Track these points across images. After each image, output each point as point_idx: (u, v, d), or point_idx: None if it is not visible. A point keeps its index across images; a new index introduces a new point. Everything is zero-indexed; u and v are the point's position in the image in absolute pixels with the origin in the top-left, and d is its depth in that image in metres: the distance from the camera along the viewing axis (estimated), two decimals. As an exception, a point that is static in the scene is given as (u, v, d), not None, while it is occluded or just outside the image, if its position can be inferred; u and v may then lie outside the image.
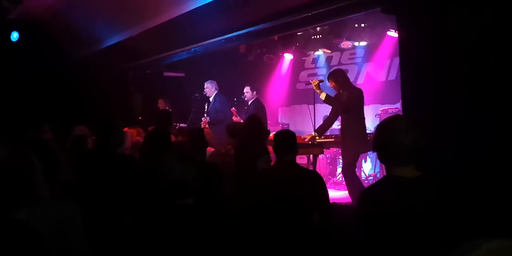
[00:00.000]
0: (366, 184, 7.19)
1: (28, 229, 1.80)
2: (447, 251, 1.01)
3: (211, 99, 8.49)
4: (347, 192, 6.18)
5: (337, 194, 6.76)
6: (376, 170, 8.00)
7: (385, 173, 2.28)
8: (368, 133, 6.30)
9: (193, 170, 2.40)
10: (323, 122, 6.67)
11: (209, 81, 8.52)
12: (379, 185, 2.20)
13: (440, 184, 2.09)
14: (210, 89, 8.47)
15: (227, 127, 5.46)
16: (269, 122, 9.53)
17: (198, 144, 4.45)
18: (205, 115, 8.39)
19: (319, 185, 3.55)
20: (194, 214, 2.31)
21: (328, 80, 6.35)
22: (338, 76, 6.29)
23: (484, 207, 3.05)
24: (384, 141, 2.13)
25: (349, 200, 6.02)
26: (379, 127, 2.21)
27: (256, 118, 5.19)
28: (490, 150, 3.63)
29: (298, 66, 10.60)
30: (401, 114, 3.36)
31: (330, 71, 7.10)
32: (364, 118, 6.24)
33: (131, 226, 2.45)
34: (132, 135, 6.07)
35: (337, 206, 5.39)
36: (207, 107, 8.46)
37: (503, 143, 3.58)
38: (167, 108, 9.59)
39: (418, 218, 1.98)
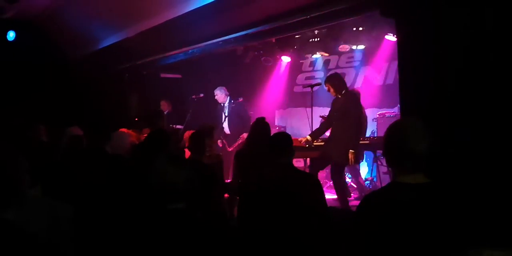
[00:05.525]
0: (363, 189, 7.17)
1: (17, 228, 1.76)
2: None
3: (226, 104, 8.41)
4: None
5: (334, 197, 6.69)
6: (372, 174, 7.95)
7: (381, 178, 2.23)
8: (367, 137, 6.23)
9: (184, 173, 2.29)
10: (318, 126, 6.63)
11: (218, 88, 8.42)
12: (383, 191, 2.11)
13: (448, 192, 1.98)
14: (220, 96, 8.39)
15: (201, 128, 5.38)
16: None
17: (197, 146, 4.47)
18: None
19: (316, 189, 3.51)
20: (185, 219, 2.22)
21: (325, 84, 6.38)
22: (334, 80, 6.31)
23: (490, 214, 3.00)
24: (394, 147, 2.02)
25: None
26: (389, 131, 2.08)
27: (260, 121, 5.11)
28: (493, 155, 3.58)
29: (295, 69, 10.57)
30: (411, 117, 3.21)
31: (327, 75, 7.10)
32: (360, 124, 6.19)
33: (121, 228, 2.39)
34: (131, 136, 6.01)
35: (334, 210, 5.35)
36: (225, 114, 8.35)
37: (507, 148, 3.53)
38: (169, 109, 9.55)
39: (420, 226, 1.89)
